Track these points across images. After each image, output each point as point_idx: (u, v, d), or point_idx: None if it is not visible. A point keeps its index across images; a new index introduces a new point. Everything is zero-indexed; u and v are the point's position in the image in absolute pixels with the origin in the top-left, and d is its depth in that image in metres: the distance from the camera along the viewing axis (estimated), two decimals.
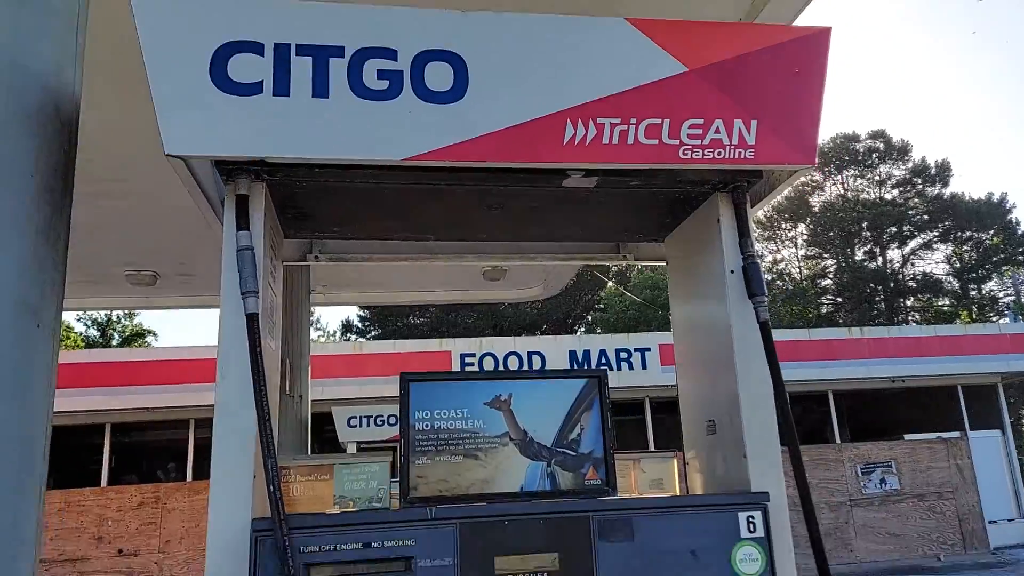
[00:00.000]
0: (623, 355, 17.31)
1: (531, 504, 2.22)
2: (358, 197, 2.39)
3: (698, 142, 2.25)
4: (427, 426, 2.44)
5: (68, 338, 30.46)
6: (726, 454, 2.45)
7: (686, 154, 2.24)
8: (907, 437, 17.55)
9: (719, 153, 2.26)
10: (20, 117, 2.10)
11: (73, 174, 2.36)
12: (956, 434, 17.37)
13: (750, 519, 2.19)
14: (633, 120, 2.20)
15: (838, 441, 17.41)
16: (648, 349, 17.30)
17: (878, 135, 42.00)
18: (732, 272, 2.42)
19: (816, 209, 42.52)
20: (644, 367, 17.23)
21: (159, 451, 15.70)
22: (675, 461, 2.80)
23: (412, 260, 2.93)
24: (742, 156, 2.28)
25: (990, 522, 16.70)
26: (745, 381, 2.35)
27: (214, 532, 1.99)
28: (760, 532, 2.18)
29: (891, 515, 16.33)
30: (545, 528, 2.09)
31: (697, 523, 2.16)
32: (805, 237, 43.01)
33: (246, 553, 1.94)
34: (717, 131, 2.25)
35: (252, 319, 2.06)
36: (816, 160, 2.35)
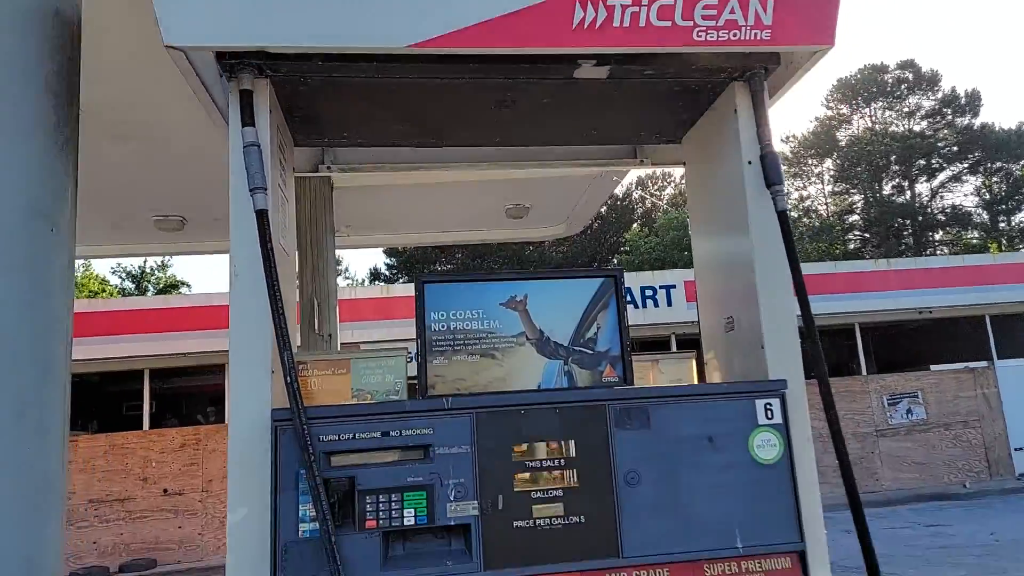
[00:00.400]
0: (648, 292, 17.23)
1: (546, 394, 2.23)
2: (365, 94, 2.35)
3: (712, 23, 2.17)
4: (443, 327, 2.44)
5: (104, 290, 31.04)
6: (744, 348, 2.43)
7: (700, 36, 2.16)
8: (933, 368, 17.42)
9: (734, 35, 2.18)
10: (17, 16, 2.07)
11: (78, 79, 2.34)
12: (983, 364, 17.21)
13: (767, 406, 2.17)
14: (644, 1, 2.12)
15: (864, 374, 17.32)
16: (673, 286, 17.20)
17: (907, 65, 40.64)
18: (750, 163, 2.37)
19: (843, 143, 41.55)
20: (669, 304, 17.15)
21: (197, 396, 16.08)
22: (692, 362, 2.79)
23: (425, 169, 2.90)
24: (758, 37, 2.20)
25: (1016, 449, 16.66)
26: (763, 271, 2.31)
27: (235, 425, 2.02)
28: (778, 419, 2.17)
29: (917, 444, 16.37)
30: (561, 417, 2.10)
31: (714, 411, 2.15)
32: (832, 173, 42.16)
33: (267, 444, 1.97)
34: (732, 11, 2.17)
35: (262, 215, 2.05)
36: (835, 40, 2.26)
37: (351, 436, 1.99)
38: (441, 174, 5.15)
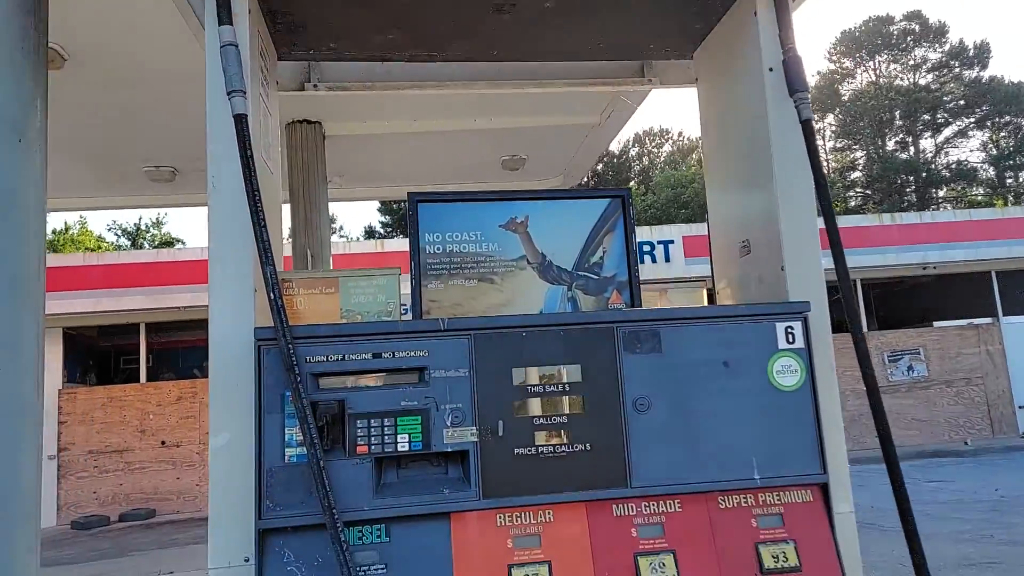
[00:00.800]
0: (646, 248, 17.00)
1: (550, 316, 2.09)
2: None
3: None
4: (439, 249, 2.30)
5: (100, 247, 30.99)
6: (761, 272, 2.28)
7: None
8: (936, 324, 17.28)
9: None
10: None
11: None
12: (988, 320, 17.07)
13: (789, 329, 2.03)
14: None
15: (865, 330, 17.18)
16: (672, 241, 16.96)
17: (913, 16, 39.75)
18: (771, 70, 2.18)
19: (846, 98, 40.90)
20: (668, 260, 16.95)
21: (193, 350, 16.01)
22: (703, 291, 2.64)
23: (418, 87, 2.72)
24: None
25: (1020, 407, 16.58)
26: (784, 186, 2.15)
27: (216, 345, 1.88)
28: (800, 343, 2.02)
29: (918, 402, 16.30)
30: (565, 340, 1.95)
31: (730, 334, 2.00)
32: (834, 128, 41.56)
33: (251, 364, 1.83)
34: None
35: (240, 120, 1.88)
36: None
37: (340, 357, 1.84)
38: (435, 119, 5.01)
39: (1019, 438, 16.06)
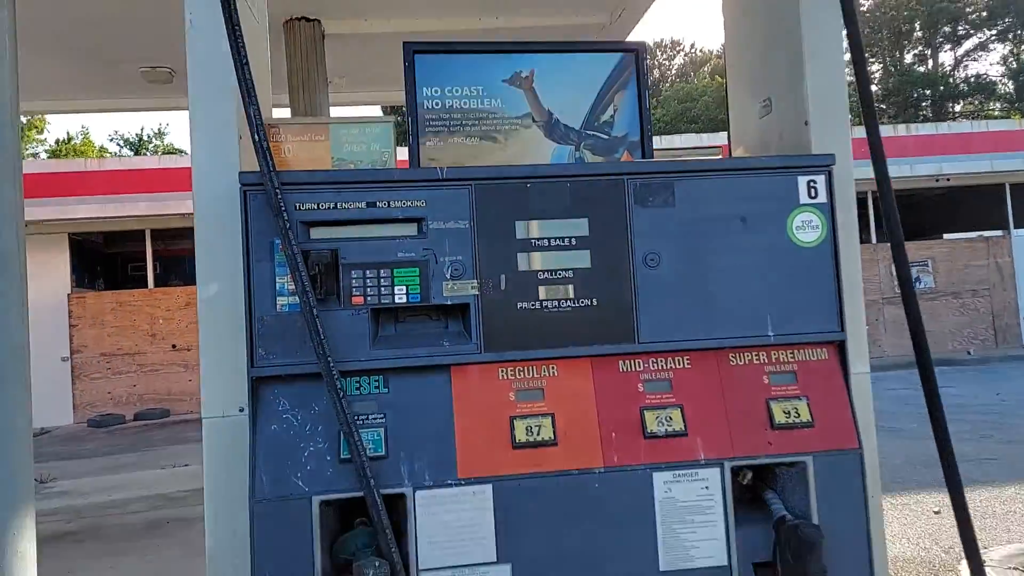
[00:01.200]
0: None
1: (556, 167, 1.96)
2: None
3: None
4: (437, 104, 2.15)
5: (103, 157, 30.83)
6: (783, 129, 2.14)
7: None
8: (946, 236, 17.07)
9: None
10: None
11: None
12: (999, 232, 16.85)
13: (811, 183, 1.90)
14: None
15: (874, 242, 16.99)
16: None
17: None
18: None
19: (864, 9, 39.31)
20: None
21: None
22: (720, 156, 2.50)
23: None
24: None
25: None
26: (812, 31, 1.98)
27: (199, 192, 1.78)
28: (822, 198, 1.90)
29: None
30: (572, 192, 1.83)
31: (749, 188, 1.88)
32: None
33: (236, 211, 1.73)
34: None
35: None
36: None
37: (332, 206, 1.73)
38: (438, 18, 4.73)
39: (1022, 348, 16.09)
